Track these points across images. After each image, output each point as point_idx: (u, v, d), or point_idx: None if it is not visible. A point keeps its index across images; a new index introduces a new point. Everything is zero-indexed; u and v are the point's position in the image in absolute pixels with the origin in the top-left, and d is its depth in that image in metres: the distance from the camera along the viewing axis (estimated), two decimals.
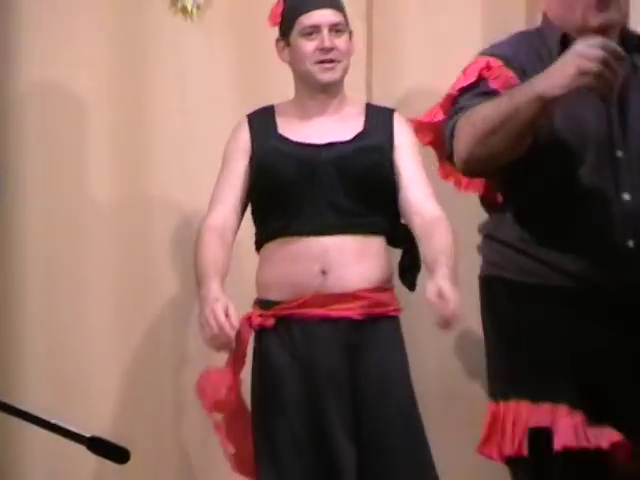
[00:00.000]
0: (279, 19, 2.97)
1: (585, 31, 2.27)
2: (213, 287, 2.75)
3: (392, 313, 2.92)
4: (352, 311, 2.84)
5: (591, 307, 2.33)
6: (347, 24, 2.99)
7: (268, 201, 2.92)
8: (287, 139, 2.94)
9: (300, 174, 2.88)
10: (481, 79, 2.35)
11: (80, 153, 3.53)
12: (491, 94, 2.28)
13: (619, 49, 2.08)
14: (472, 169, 2.36)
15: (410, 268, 3.01)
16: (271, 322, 2.85)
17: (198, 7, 3.53)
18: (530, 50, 2.37)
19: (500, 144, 2.20)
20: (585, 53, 2.07)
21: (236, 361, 2.89)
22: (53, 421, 1.88)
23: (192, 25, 3.54)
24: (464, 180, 2.61)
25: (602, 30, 2.28)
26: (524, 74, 2.29)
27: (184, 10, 3.52)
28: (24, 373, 3.42)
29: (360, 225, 2.89)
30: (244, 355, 2.90)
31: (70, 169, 3.51)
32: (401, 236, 2.99)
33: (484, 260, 2.57)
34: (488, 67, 2.36)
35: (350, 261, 2.84)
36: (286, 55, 2.97)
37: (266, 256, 2.94)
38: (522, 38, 2.48)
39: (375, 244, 2.91)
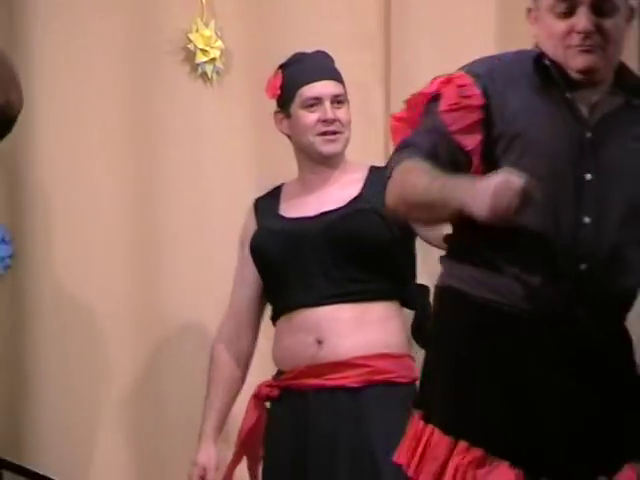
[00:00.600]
0: (278, 91, 2.96)
1: (570, 69, 2.19)
2: (203, 444, 3.01)
3: (397, 380, 2.85)
4: (348, 379, 2.82)
5: (540, 339, 2.17)
6: (346, 95, 2.98)
7: (266, 280, 2.98)
8: (282, 217, 2.96)
9: (285, 250, 2.90)
10: (439, 94, 2.22)
11: (95, 222, 3.53)
12: (438, 122, 2.18)
13: (531, 193, 1.99)
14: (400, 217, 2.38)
15: (423, 327, 2.87)
16: (275, 392, 2.92)
17: (218, 73, 3.54)
18: (507, 68, 2.25)
19: (419, 216, 2.26)
20: (499, 194, 1.97)
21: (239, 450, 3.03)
22: None
23: (211, 90, 3.54)
24: None
25: (585, 72, 2.18)
26: (494, 92, 2.18)
27: (204, 76, 3.55)
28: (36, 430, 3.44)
29: (356, 292, 2.87)
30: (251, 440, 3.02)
31: (83, 235, 3.50)
32: (413, 296, 2.94)
33: (443, 269, 2.36)
34: (460, 85, 2.22)
35: (345, 329, 2.83)
36: (285, 127, 2.97)
37: (276, 330, 2.99)
38: (505, 56, 2.35)
39: (377, 310, 2.88)
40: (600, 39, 2.15)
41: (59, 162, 3.50)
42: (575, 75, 2.16)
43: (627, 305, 2.26)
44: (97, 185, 3.53)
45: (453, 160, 2.15)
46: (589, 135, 2.18)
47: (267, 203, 3.04)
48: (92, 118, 3.52)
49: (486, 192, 1.97)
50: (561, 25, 2.16)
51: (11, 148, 3.25)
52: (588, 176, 2.17)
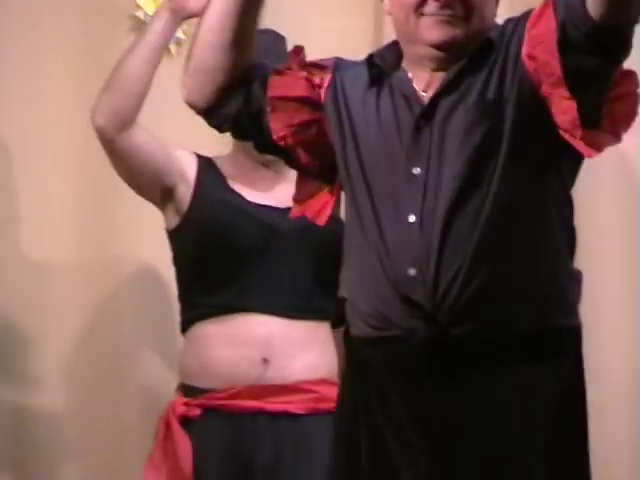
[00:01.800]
0: None
1: (421, 44, 1.87)
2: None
3: None
4: (292, 405, 2.51)
5: (384, 359, 1.87)
6: None
7: (213, 267, 2.53)
8: (239, 195, 2.57)
9: (257, 240, 2.51)
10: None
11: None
12: None
13: None
14: None
15: None
16: (197, 412, 2.51)
17: (178, 43, 3.36)
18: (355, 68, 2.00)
19: None
20: None
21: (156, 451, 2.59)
22: None
23: (171, 62, 3.29)
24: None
25: (441, 46, 1.85)
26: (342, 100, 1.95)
27: None
28: None
29: (318, 309, 2.57)
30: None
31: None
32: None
33: None
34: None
35: (296, 349, 2.53)
36: None
37: (195, 337, 2.55)
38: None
39: (324, 330, 2.60)
40: (461, 8, 1.84)
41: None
42: (427, 51, 1.86)
43: (485, 306, 1.83)
44: (53, 145, 3.27)
45: None
46: (422, 123, 1.86)
47: (207, 166, 2.61)
48: (49, 87, 3.31)
49: None
50: None
51: None
52: (417, 170, 1.85)
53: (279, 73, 1.97)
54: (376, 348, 1.85)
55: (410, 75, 1.89)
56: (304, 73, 1.96)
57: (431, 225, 1.81)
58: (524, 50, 1.79)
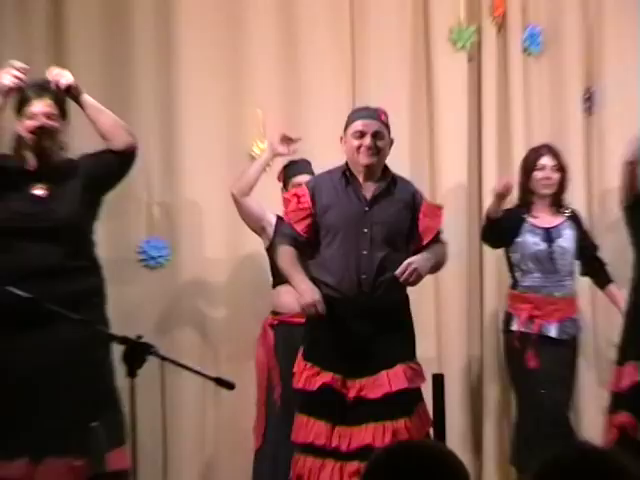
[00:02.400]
0: None
1: (359, 166, 4.33)
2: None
3: None
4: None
5: (345, 310, 4.29)
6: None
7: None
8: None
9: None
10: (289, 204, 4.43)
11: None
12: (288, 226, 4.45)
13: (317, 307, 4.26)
14: None
15: None
16: (276, 322, 5.06)
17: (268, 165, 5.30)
18: (334, 181, 4.40)
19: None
20: (302, 294, 4.29)
21: None
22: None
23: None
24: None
25: (368, 167, 4.30)
26: (320, 201, 4.34)
27: None
28: None
29: None
30: None
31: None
32: None
33: None
34: (296, 195, 4.40)
35: None
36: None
37: (276, 291, 5.13)
38: (335, 172, 4.42)
39: None
40: (375, 150, 4.28)
41: None
42: (361, 169, 4.30)
43: (389, 289, 4.29)
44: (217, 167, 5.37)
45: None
46: (366, 208, 4.31)
47: (280, 219, 5.09)
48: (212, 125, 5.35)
49: (298, 299, 4.29)
50: (356, 142, 4.29)
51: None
52: (365, 230, 4.29)
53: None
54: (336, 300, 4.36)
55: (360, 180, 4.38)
56: (303, 210, 4.38)
57: (375, 255, 4.33)
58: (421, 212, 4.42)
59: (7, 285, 3.82)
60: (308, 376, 4.32)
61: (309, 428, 4.25)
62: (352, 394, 4.24)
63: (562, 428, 4.99)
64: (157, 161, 5.24)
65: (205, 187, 5.31)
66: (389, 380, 4.26)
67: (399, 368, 4.28)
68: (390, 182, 4.37)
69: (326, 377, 4.27)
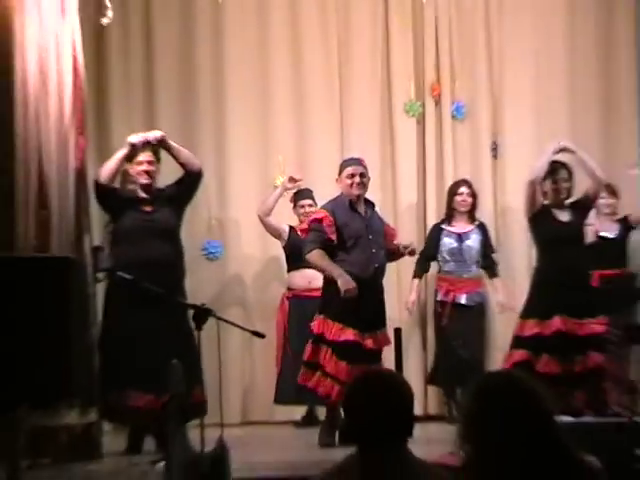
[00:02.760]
0: None
1: (353, 197, 5.48)
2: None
3: None
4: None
5: (365, 289, 5.39)
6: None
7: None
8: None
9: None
10: (318, 223, 5.46)
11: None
12: (322, 233, 5.45)
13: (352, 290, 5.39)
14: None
15: None
16: (290, 295, 6.53)
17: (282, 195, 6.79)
18: (343, 205, 5.49)
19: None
20: (344, 284, 5.33)
21: None
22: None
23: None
24: None
25: (359, 196, 5.47)
26: (339, 219, 5.44)
27: None
28: None
29: None
30: None
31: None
32: None
33: None
34: (321, 217, 5.40)
35: None
36: None
37: (289, 275, 6.53)
38: (339, 200, 5.49)
39: None
40: (362, 185, 5.49)
41: None
42: (354, 199, 5.51)
43: (383, 273, 5.58)
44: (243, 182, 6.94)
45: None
46: (367, 223, 5.44)
47: (291, 229, 6.54)
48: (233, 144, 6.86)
49: (341, 286, 5.27)
50: (349, 181, 5.40)
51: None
52: (370, 236, 5.41)
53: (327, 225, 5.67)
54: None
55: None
56: (330, 226, 5.49)
57: (379, 253, 5.57)
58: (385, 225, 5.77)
59: (134, 272, 4.67)
60: (336, 330, 5.35)
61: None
62: (368, 345, 5.36)
63: (469, 362, 6.13)
64: (214, 192, 6.66)
65: (244, 207, 6.66)
66: (385, 340, 5.48)
67: (385, 330, 5.51)
68: (370, 205, 5.58)
69: (349, 332, 5.32)
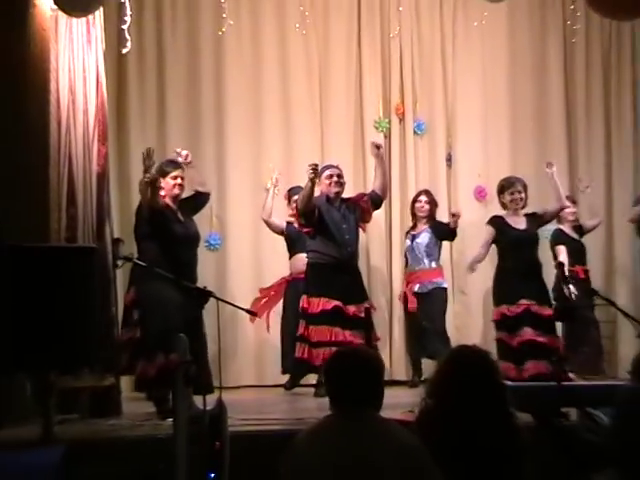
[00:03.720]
0: None
1: (332, 194, 5.80)
2: None
3: None
4: None
5: (341, 267, 5.73)
6: None
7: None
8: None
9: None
10: None
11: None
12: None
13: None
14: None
15: None
16: (290, 279, 6.52)
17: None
18: (322, 201, 5.87)
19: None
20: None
21: None
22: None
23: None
24: None
25: (337, 194, 5.84)
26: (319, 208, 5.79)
27: None
28: None
29: None
30: None
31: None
32: None
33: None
34: None
35: None
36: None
37: (292, 260, 6.47)
38: (319, 197, 5.80)
39: None
40: (339, 184, 5.87)
41: None
42: (333, 196, 5.80)
43: (356, 255, 5.89)
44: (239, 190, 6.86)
45: None
46: (342, 214, 5.75)
47: (288, 224, 6.50)
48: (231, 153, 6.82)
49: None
50: (328, 181, 5.77)
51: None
52: (344, 225, 5.80)
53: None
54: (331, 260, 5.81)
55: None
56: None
57: (352, 238, 5.88)
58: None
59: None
60: (317, 302, 5.66)
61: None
62: (351, 311, 5.60)
63: (437, 336, 6.26)
64: (215, 193, 6.34)
65: (240, 206, 6.83)
66: (371, 307, 5.84)
67: (370, 301, 5.91)
68: (344, 202, 5.90)
69: (328, 302, 5.64)
